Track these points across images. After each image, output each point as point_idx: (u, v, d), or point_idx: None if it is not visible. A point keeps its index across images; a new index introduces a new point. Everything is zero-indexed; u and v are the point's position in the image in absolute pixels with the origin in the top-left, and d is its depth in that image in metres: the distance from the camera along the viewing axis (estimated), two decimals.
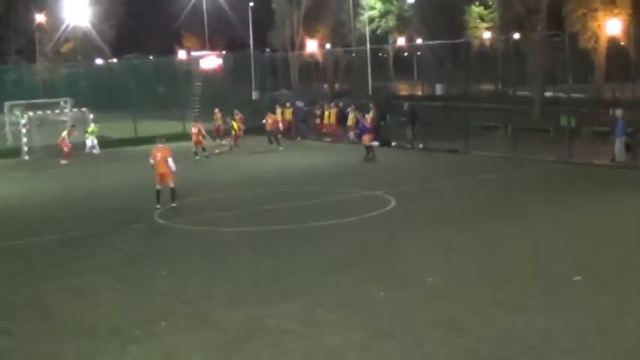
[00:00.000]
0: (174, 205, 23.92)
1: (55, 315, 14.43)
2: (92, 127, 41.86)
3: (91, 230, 21.93)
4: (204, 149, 36.89)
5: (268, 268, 16.86)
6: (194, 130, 37.25)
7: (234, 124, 40.85)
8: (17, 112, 42.73)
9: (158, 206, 23.63)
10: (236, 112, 42.15)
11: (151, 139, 37.30)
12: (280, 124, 41.18)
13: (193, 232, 21.23)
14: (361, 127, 36.14)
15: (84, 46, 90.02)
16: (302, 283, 15.61)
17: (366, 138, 35.21)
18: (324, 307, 13.94)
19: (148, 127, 42.32)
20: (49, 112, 43.93)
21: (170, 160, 23.78)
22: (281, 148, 39.09)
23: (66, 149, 37.97)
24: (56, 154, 37.75)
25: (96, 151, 40.97)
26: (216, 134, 41.35)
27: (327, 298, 14.48)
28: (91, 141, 41.05)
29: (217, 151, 39.26)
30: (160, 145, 24.48)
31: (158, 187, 23.96)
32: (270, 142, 39.92)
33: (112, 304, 14.83)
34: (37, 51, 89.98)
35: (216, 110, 42.42)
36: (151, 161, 24.16)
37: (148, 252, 19.01)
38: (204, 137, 37.23)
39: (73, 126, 40.13)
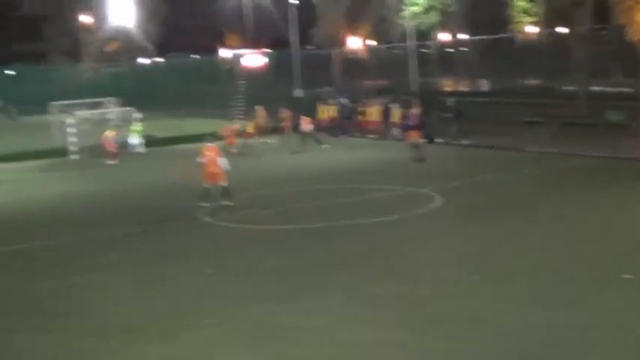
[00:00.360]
0: (229, 203, 23.91)
1: (93, 311, 14.66)
2: (137, 125, 42.16)
3: (133, 228, 22.20)
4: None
5: (292, 266, 16.98)
6: (226, 132, 37.67)
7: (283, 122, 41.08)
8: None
9: (206, 204, 23.55)
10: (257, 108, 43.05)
11: (195, 138, 38.35)
12: (311, 126, 40.20)
13: (233, 229, 21.41)
14: (405, 123, 34.68)
15: (128, 45, 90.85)
16: (338, 281, 15.66)
17: (412, 135, 33.56)
18: (361, 304, 14.03)
19: (192, 125, 42.61)
20: (94, 111, 44.55)
21: (220, 160, 23.93)
22: (323, 145, 38.77)
23: (112, 149, 38.28)
24: (101, 153, 37.92)
25: (142, 149, 41.27)
26: (258, 132, 41.47)
27: (362, 295, 14.55)
28: (135, 139, 41.25)
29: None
30: (209, 145, 24.69)
31: (207, 185, 23.94)
32: (320, 142, 39.59)
33: (131, 302, 15.09)
34: (82, 51, 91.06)
35: (258, 108, 42.74)
36: (201, 160, 24.27)
37: (189, 248, 19.27)
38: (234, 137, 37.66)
39: (117, 125, 40.25)
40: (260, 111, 42.55)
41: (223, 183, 24.00)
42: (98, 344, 12.87)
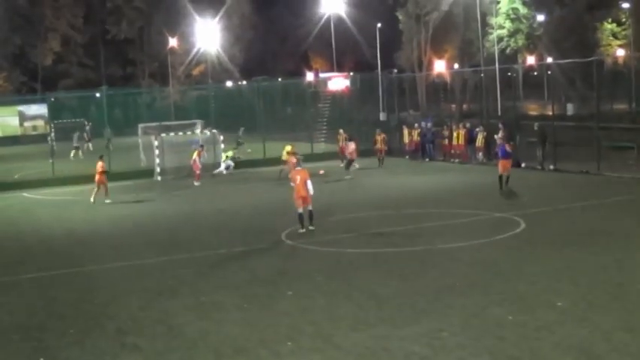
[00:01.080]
0: (311, 227, 23.92)
1: (182, 333, 14.84)
2: (229, 151, 42.82)
3: (218, 249, 22.50)
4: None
5: (392, 290, 16.92)
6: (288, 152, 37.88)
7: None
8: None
9: (302, 230, 23.68)
10: (340, 131, 43.26)
11: (278, 161, 38.83)
12: (353, 153, 39.79)
13: (319, 252, 21.52)
14: (502, 150, 31.93)
15: (214, 69, 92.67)
16: (427, 306, 15.61)
17: (505, 165, 31.56)
18: (450, 330, 13.94)
19: (276, 148, 43.18)
20: (180, 133, 45.28)
21: (309, 183, 23.77)
22: (348, 177, 37.98)
23: (197, 171, 39.00)
24: (186, 174, 38.64)
25: (227, 171, 41.85)
26: (341, 155, 41.79)
27: (452, 321, 14.48)
28: (226, 164, 41.98)
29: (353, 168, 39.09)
30: (298, 168, 24.61)
31: (300, 210, 23.89)
32: (347, 167, 39.32)
33: (238, 324, 15.16)
34: (169, 74, 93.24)
35: (341, 131, 43.29)
36: (292, 184, 24.33)
37: (275, 272, 19.36)
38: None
39: (202, 146, 41.09)
40: (341, 135, 42.89)
41: (309, 207, 23.99)
42: None
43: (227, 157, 41.94)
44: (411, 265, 19.18)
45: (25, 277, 20.53)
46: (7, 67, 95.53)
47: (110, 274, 20.47)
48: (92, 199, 33.32)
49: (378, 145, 43.01)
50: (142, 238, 25.50)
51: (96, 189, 33.57)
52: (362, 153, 42.88)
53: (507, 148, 32.15)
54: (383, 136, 43.29)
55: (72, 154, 56.39)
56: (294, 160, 36.20)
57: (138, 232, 27.02)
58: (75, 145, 58.41)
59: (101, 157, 34.89)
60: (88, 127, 61.38)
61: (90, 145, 57.67)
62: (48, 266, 21.71)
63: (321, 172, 35.34)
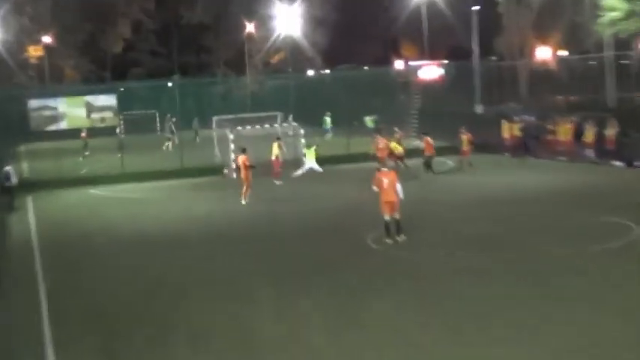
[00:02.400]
0: (400, 238, 23.06)
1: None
2: (311, 149, 41.78)
3: (300, 255, 22.59)
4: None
5: (496, 304, 16.77)
6: (380, 144, 38.00)
7: (394, 144, 40.31)
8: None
9: (389, 241, 22.88)
10: (395, 129, 42.75)
11: (362, 157, 39.79)
12: (379, 151, 39.36)
13: (409, 258, 21.42)
14: None
15: (294, 56, 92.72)
16: (536, 316, 15.52)
17: None
18: (569, 344, 13.92)
19: (361, 144, 42.78)
20: (257, 126, 45.20)
21: (399, 187, 22.76)
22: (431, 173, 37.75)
23: (278, 168, 38.84)
24: (265, 172, 38.37)
25: (312, 169, 41.06)
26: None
27: (569, 334, 14.46)
28: (310, 163, 41.16)
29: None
30: (384, 169, 23.76)
31: (387, 218, 22.86)
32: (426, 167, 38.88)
33: (318, 330, 15.42)
34: (246, 62, 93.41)
35: (396, 130, 43.10)
36: (375, 188, 23.14)
37: (362, 280, 19.35)
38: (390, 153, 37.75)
39: (278, 138, 40.52)
40: (398, 133, 42.36)
41: (397, 215, 22.90)
42: None
43: (310, 153, 41.17)
44: (515, 275, 18.97)
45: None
46: (75, 55, 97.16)
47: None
48: (243, 200, 32.63)
49: (464, 147, 41.22)
50: (233, 247, 25.00)
51: (245, 187, 32.82)
52: (450, 150, 42.71)
53: None
54: (468, 135, 41.37)
55: (165, 145, 57.91)
56: (385, 154, 37.10)
57: (219, 233, 27.07)
58: (167, 135, 59.79)
59: (244, 151, 33.95)
60: (171, 122, 61.41)
61: (175, 138, 58.10)
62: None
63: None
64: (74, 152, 54.05)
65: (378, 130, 43.38)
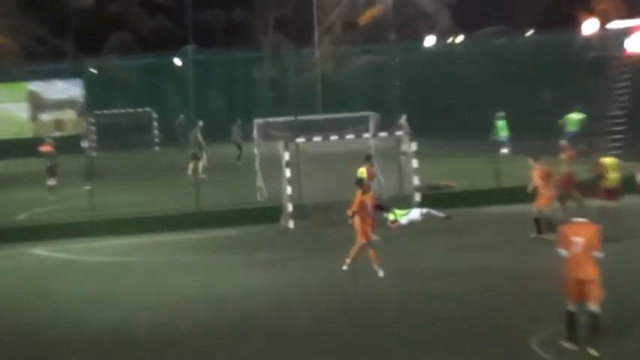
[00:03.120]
0: (593, 351, 16.58)
1: None
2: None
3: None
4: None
5: None
6: (535, 172, 28.47)
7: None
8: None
9: (570, 346, 17.28)
10: (563, 143, 33.01)
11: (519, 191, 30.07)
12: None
13: None
14: None
15: (400, 14, 73.46)
16: None
17: None
18: None
19: (519, 165, 32.17)
20: (334, 137, 33.45)
21: (598, 253, 17.08)
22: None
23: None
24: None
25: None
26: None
27: None
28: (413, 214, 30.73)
29: None
30: (579, 220, 18.07)
31: (571, 307, 17.45)
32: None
33: None
34: (313, 24, 73.88)
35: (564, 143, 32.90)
36: (563, 252, 17.56)
37: None
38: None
39: (369, 158, 30.90)
40: (567, 149, 31.66)
41: (593, 306, 16.81)
42: None
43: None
44: None
45: None
46: (13, 11, 69.37)
47: None
48: (345, 264, 24.41)
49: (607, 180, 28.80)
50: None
51: (359, 236, 24.16)
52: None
53: None
54: (615, 160, 29.67)
55: (190, 168, 45.03)
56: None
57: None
58: (193, 150, 46.49)
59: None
60: (198, 129, 48.41)
61: (204, 156, 46.09)
62: None
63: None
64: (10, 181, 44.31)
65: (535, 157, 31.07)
